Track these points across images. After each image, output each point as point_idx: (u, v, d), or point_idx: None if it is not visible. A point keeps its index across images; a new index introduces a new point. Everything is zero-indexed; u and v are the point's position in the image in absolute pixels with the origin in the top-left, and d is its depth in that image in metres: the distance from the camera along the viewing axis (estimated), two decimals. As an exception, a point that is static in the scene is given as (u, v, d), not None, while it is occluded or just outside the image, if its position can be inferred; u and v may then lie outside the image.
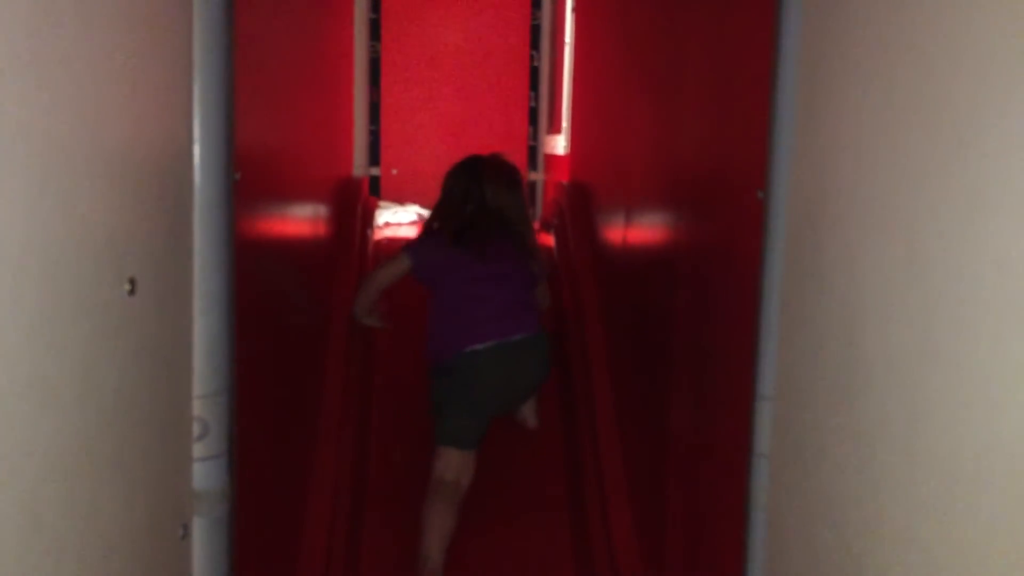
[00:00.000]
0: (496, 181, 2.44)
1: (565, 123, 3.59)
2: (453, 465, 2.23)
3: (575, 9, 3.49)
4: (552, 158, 3.93)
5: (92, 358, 0.86)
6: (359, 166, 3.81)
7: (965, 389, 0.83)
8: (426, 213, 3.81)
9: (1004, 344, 0.76)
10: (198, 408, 1.22)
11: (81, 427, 0.85)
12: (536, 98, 4.31)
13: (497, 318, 2.29)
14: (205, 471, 1.24)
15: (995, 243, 0.78)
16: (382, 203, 3.93)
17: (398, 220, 3.78)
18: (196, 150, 1.17)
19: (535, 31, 4.29)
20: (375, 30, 4.23)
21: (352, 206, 2.95)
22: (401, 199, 4.10)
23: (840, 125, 1.11)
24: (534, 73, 4.30)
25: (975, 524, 0.80)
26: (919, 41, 0.92)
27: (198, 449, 1.23)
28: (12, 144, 0.70)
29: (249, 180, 1.34)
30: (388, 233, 3.57)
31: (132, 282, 0.94)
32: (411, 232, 3.57)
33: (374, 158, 4.28)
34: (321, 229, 2.39)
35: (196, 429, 1.22)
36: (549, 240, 3.35)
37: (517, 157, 4.26)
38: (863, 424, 1.03)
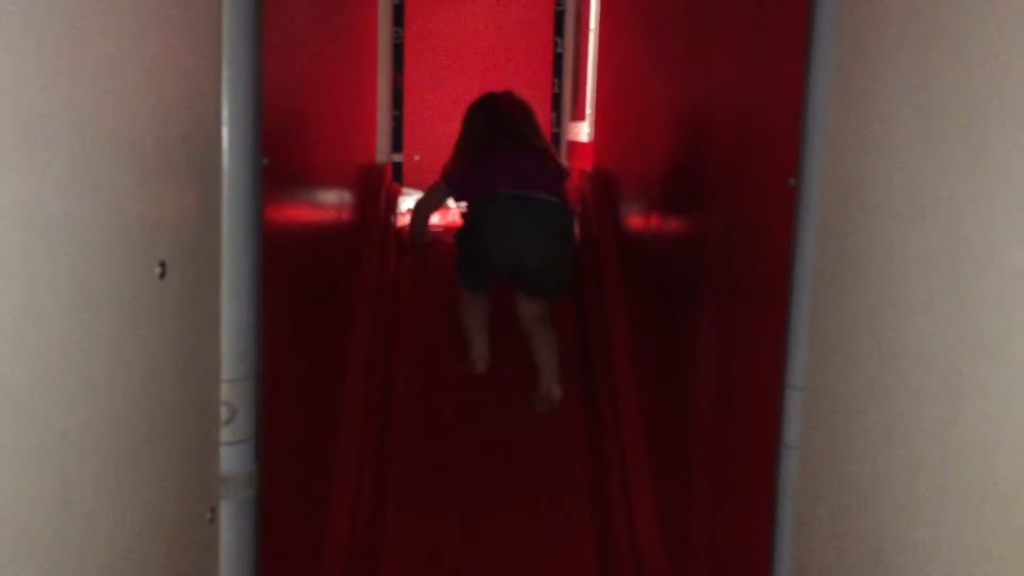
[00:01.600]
0: (510, 107, 2.78)
1: (589, 110, 3.57)
2: (468, 298, 2.72)
3: (600, -5, 3.47)
4: (575, 145, 3.91)
5: (124, 341, 0.86)
6: (382, 152, 3.81)
7: (1003, 384, 0.81)
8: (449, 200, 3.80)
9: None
10: (226, 392, 1.22)
11: (114, 411, 0.85)
12: (559, 85, 4.29)
13: (515, 178, 2.64)
14: (232, 455, 1.24)
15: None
16: (405, 190, 3.93)
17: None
18: (225, 134, 1.17)
19: (559, 17, 4.27)
20: (399, 16, 4.22)
21: (376, 192, 2.95)
22: (423, 185, 4.09)
23: (875, 113, 1.09)
24: (557, 60, 4.28)
25: (1010, 522, 0.79)
26: (958, 27, 0.90)
27: (226, 433, 1.23)
28: (45, 129, 0.70)
29: (277, 165, 1.34)
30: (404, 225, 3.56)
31: (163, 265, 0.94)
32: (435, 219, 3.56)
33: (397, 144, 4.27)
34: (345, 215, 2.39)
35: (224, 413, 1.22)
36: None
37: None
38: (896, 417, 1.02)
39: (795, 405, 1.32)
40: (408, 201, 3.73)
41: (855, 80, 1.15)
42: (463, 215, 2.77)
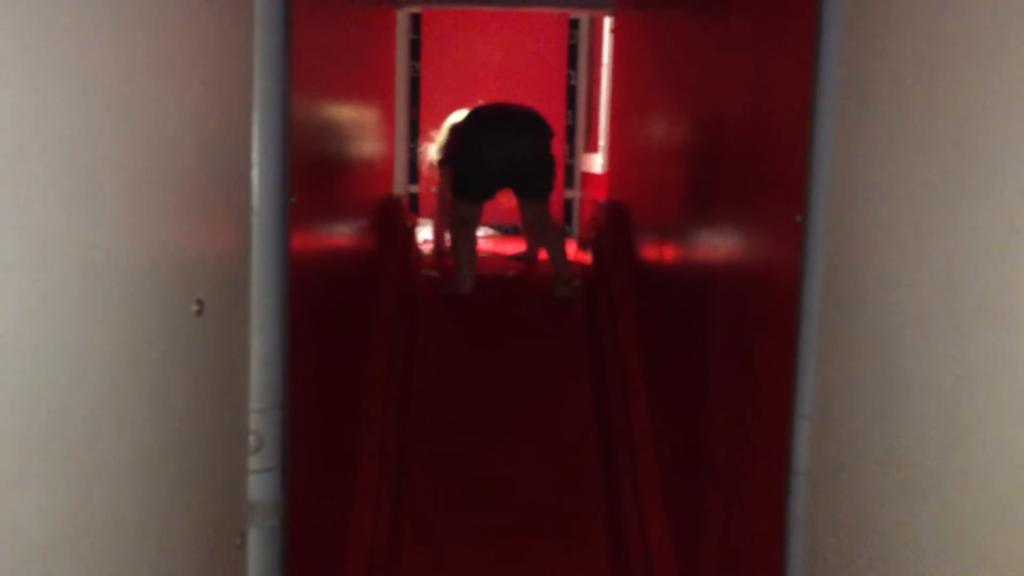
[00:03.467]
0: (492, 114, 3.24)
1: (602, 142, 3.63)
2: (461, 209, 3.09)
3: (613, 30, 3.53)
4: (589, 176, 3.97)
5: (165, 376, 0.92)
6: (399, 183, 3.87)
7: (1002, 411, 0.85)
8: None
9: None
10: (254, 422, 1.27)
11: (157, 442, 0.90)
12: (573, 117, 4.35)
13: (499, 106, 3.21)
14: (260, 483, 1.29)
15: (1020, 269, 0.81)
16: (421, 220, 3.99)
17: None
18: (255, 176, 1.23)
19: (572, 51, 4.34)
20: (415, 50, 4.30)
21: (394, 223, 3.01)
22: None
23: (878, 152, 1.14)
24: (571, 92, 4.35)
25: (1011, 545, 0.83)
26: (957, 71, 0.95)
27: (254, 462, 1.28)
28: (97, 176, 0.75)
29: (303, 203, 1.39)
30: (428, 248, 3.62)
31: (200, 303, 0.99)
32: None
33: (413, 176, 4.34)
34: (366, 246, 2.45)
35: (252, 442, 1.27)
36: (586, 258, 3.39)
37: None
38: (900, 444, 1.06)
39: (804, 433, 1.36)
40: (424, 231, 3.79)
41: (860, 122, 1.20)
42: (453, 147, 3.21)
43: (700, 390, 1.91)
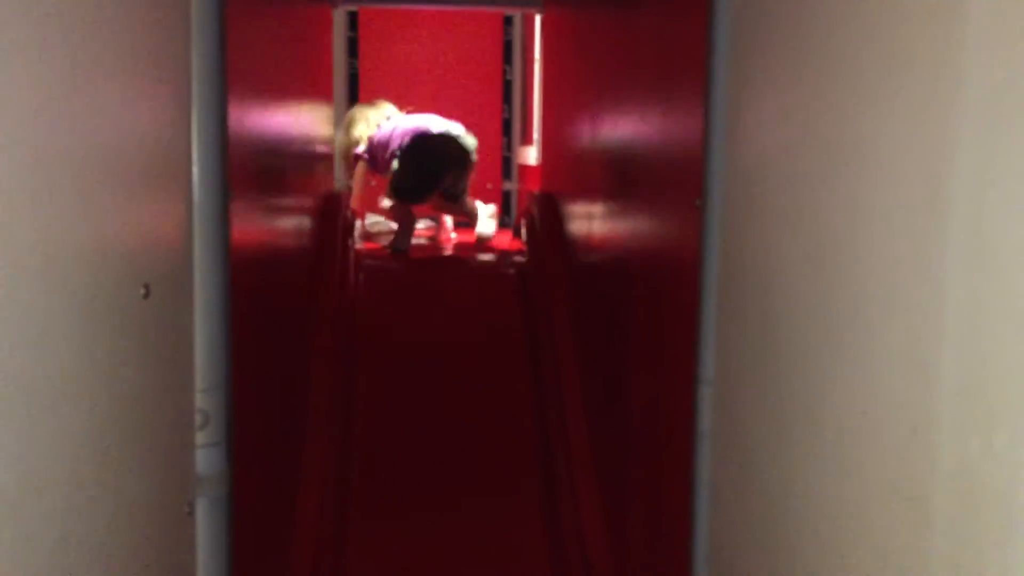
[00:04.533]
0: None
1: (536, 135, 3.76)
2: (399, 207, 3.61)
3: (543, 25, 3.66)
4: (525, 168, 4.09)
5: (117, 352, 1.02)
6: (340, 180, 3.96)
7: (856, 368, 0.99)
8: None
9: (886, 332, 0.93)
10: (200, 400, 1.37)
11: (110, 413, 1.00)
12: (509, 111, 4.47)
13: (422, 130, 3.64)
14: (206, 457, 1.39)
15: (880, 243, 0.94)
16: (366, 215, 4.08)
17: (378, 229, 3.92)
18: (195, 173, 1.33)
19: (507, 46, 4.46)
20: (352, 48, 4.39)
21: (334, 218, 3.10)
22: (379, 211, 4.25)
23: (761, 143, 1.28)
24: (507, 87, 4.47)
25: (863, 471, 0.97)
26: (819, 67, 1.08)
27: (200, 437, 1.38)
28: (52, 172, 0.86)
29: (243, 197, 1.50)
30: (368, 242, 3.72)
31: (147, 287, 1.09)
32: (388, 240, 3.72)
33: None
34: (306, 239, 2.54)
35: (198, 419, 1.38)
36: (521, 246, 3.51)
37: (491, 168, 4.42)
38: (781, 403, 1.20)
39: (707, 398, 1.50)
40: (365, 223, 3.88)
41: (744, 117, 1.34)
42: (379, 158, 3.65)
43: (621, 362, 2.04)
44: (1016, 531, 0.72)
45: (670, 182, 1.66)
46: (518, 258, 3.40)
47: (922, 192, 0.85)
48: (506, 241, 3.75)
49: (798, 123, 1.14)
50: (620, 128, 2.10)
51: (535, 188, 3.64)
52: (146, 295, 1.10)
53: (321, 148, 3.07)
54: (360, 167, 3.73)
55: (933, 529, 0.83)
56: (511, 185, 4.49)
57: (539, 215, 3.18)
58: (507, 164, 4.50)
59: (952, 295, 0.81)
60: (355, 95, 4.42)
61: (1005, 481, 0.74)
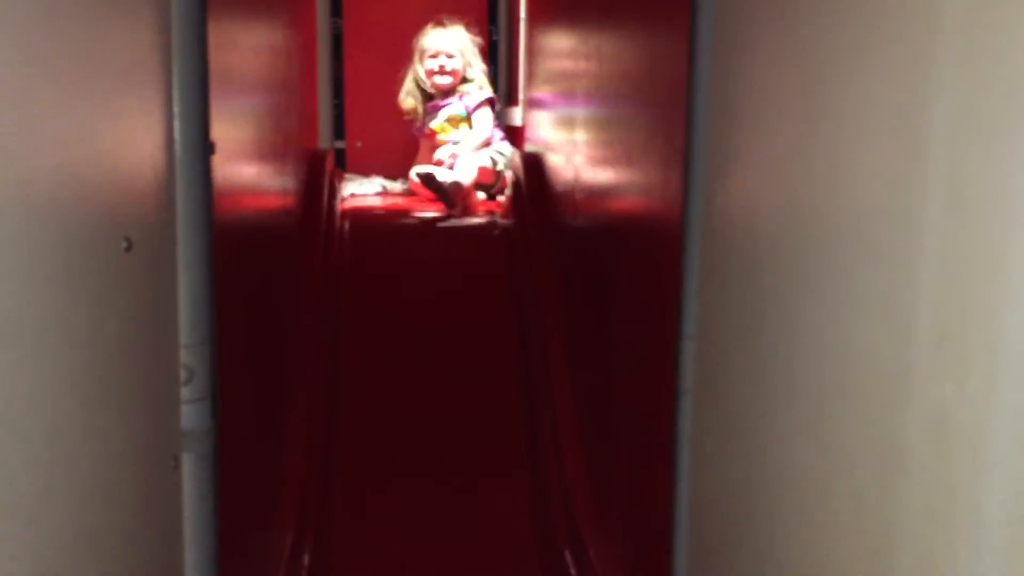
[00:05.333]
0: None
1: (521, 95, 3.74)
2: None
3: (528, -16, 3.64)
4: (511, 129, 4.07)
5: (101, 304, 1.02)
6: (324, 139, 3.93)
7: (834, 318, 1.00)
8: (391, 185, 3.95)
9: (863, 281, 0.94)
10: (184, 356, 1.38)
11: (93, 365, 1.01)
12: (495, 71, 4.44)
13: None
14: (192, 412, 1.40)
15: (859, 193, 0.95)
16: (347, 176, 4.06)
17: (363, 191, 3.91)
18: (176, 127, 1.32)
19: (492, 6, 4.42)
20: (336, 6, 4.34)
21: (319, 177, 3.09)
22: (366, 171, 4.23)
23: (746, 101, 1.28)
24: (492, 47, 4.43)
25: (840, 419, 0.98)
26: (804, 18, 1.08)
27: (185, 392, 1.39)
28: (35, 130, 0.85)
29: (225, 152, 1.49)
30: (354, 203, 3.70)
31: (128, 240, 1.09)
32: (376, 202, 3.70)
33: (339, 131, 4.40)
34: (291, 197, 2.53)
35: (183, 374, 1.38)
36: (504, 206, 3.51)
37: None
38: (761, 355, 1.21)
39: (688, 354, 1.51)
40: (350, 185, 3.86)
41: (730, 78, 1.34)
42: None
43: (606, 321, 2.06)
44: (987, 474, 0.74)
45: (655, 140, 1.66)
46: (503, 219, 3.41)
47: (900, 142, 0.86)
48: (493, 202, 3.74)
49: (783, 74, 1.14)
50: (603, 89, 2.09)
51: (520, 148, 3.62)
52: (128, 248, 1.10)
53: (305, 106, 3.05)
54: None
55: (907, 473, 0.84)
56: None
57: (524, 176, 3.17)
58: (494, 125, 4.48)
59: (927, 245, 0.82)
60: (340, 54, 4.38)
61: (977, 426, 0.75)
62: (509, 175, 3.51)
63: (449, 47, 3.70)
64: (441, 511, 2.40)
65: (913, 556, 0.83)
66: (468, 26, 3.75)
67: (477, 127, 3.65)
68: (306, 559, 2.14)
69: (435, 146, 3.72)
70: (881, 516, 0.88)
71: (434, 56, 3.75)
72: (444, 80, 3.77)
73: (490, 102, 3.75)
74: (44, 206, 0.88)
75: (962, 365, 0.77)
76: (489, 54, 4.44)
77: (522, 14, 3.73)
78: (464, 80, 3.75)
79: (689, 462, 1.52)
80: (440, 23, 3.76)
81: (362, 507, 2.37)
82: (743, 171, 1.28)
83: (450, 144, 3.65)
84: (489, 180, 3.54)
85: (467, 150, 3.54)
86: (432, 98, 3.81)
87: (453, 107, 3.76)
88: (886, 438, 0.88)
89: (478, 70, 3.75)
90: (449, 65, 3.72)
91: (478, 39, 3.79)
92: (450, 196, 3.35)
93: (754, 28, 1.24)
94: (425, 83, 3.78)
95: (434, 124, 3.75)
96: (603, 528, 2.09)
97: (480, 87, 3.78)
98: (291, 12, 2.74)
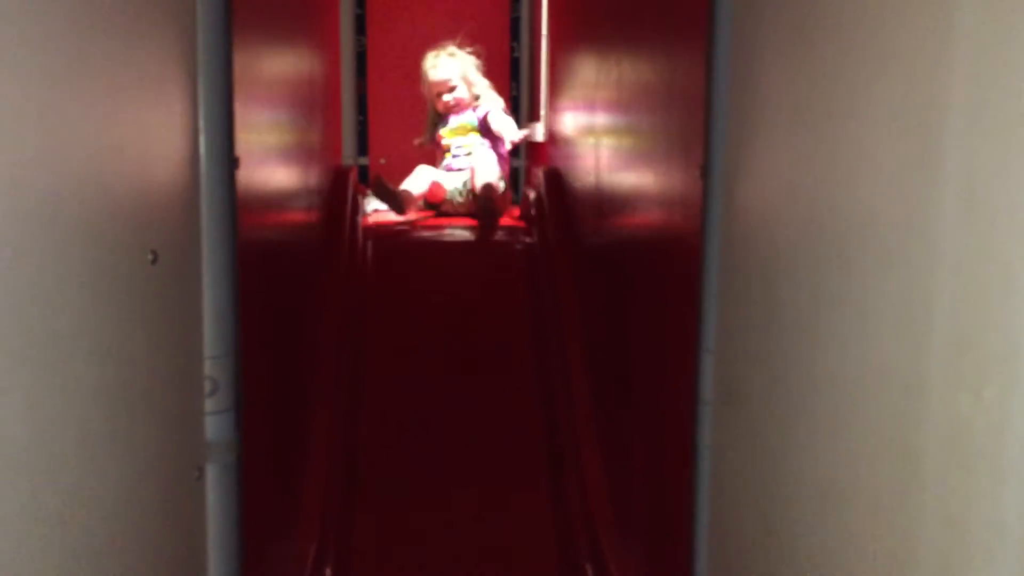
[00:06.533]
0: None
1: (543, 111, 3.76)
2: None
3: (549, 2, 3.66)
4: (533, 145, 4.10)
5: (127, 316, 1.04)
6: (348, 156, 3.97)
7: (851, 329, 1.00)
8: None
9: (879, 292, 0.94)
10: (209, 368, 1.40)
11: (118, 374, 1.03)
12: (517, 88, 4.47)
13: None
14: (216, 424, 1.42)
15: (875, 204, 0.96)
16: (370, 192, 4.09)
17: (386, 207, 3.93)
18: (202, 142, 1.34)
19: (515, 23, 4.45)
20: (360, 25, 4.39)
21: (343, 194, 3.12)
22: (390, 187, 4.26)
23: (764, 106, 1.29)
24: (515, 64, 4.47)
25: (858, 429, 0.98)
26: (818, 26, 1.09)
27: (209, 404, 1.40)
28: (61, 139, 0.87)
29: (249, 169, 1.51)
30: (377, 219, 3.72)
31: (154, 253, 1.11)
32: (399, 218, 3.73)
33: (362, 148, 4.44)
34: (314, 215, 2.56)
35: (207, 386, 1.40)
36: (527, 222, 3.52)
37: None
38: (779, 366, 1.21)
39: (708, 366, 1.51)
40: (373, 201, 3.88)
41: (748, 84, 1.34)
42: None
43: (625, 334, 2.06)
44: (1004, 483, 0.74)
45: (674, 152, 1.67)
46: (525, 236, 3.42)
47: (915, 151, 0.86)
48: (515, 216, 3.75)
49: (800, 85, 1.15)
50: (622, 101, 2.10)
51: (541, 163, 3.64)
52: (154, 261, 1.12)
53: (330, 123, 3.08)
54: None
55: (925, 483, 0.84)
56: (519, 162, 4.49)
57: (546, 192, 3.19)
58: (515, 141, 4.50)
59: (943, 254, 0.82)
60: (363, 71, 4.42)
61: (993, 435, 0.75)
62: (523, 192, 3.60)
63: (450, 78, 3.72)
64: (463, 522, 2.40)
65: (931, 564, 0.83)
66: (461, 44, 3.77)
67: (503, 122, 3.64)
68: (328, 570, 2.15)
69: (444, 150, 3.75)
70: (899, 524, 0.88)
71: (439, 93, 3.77)
72: (456, 107, 3.81)
73: (499, 107, 3.77)
74: (72, 220, 0.90)
75: (979, 374, 0.77)
76: (511, 71, 4.47)
77: (544, 31, 3.76)
78: (476, 97, 3.78)
79: (710, 473, 1.52)
80: (437, 49, 3.79)
81: (383, 517, 2.38)
82: (761, 182, 1.28)
83: (455, 148, 3.68)
84: (439, 199, 3.57)
85: (513, 136, 3.58)
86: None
87: (465, 116, 3.78)
88: (903, 447, 0.88)
89: (483, 86, 3.76)
90: (454, 97, 3.73)
91: (474, 56, 3.79)
92: (401, 203, 3.38)
93: (771, 40, 1.25)
94: (441, 117, 3.80)
95: (443, 130, 3.77)
96: (624, 539, 2.09)
97: (492, 100, 3.81)
98: (315, 30, 2.77)
